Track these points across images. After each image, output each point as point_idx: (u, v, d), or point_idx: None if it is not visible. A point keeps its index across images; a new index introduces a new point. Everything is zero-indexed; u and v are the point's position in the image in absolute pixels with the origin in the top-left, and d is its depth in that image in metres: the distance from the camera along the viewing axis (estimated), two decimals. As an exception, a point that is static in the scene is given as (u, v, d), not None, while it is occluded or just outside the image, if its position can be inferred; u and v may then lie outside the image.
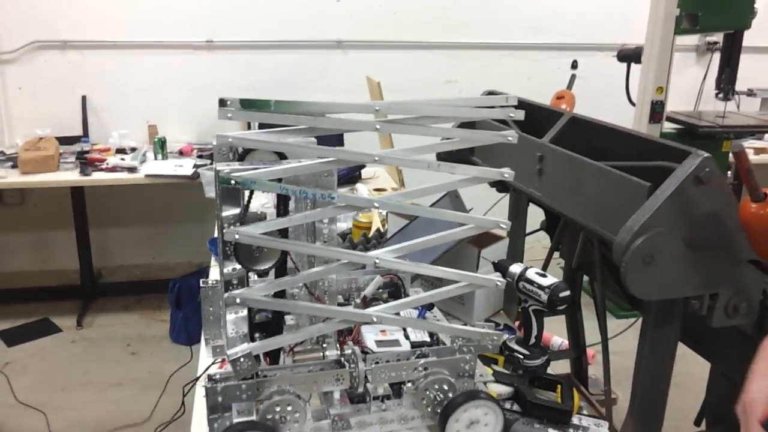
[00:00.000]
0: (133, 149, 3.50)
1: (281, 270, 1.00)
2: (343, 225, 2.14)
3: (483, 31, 4.01)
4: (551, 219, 2.43)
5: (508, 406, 1.26)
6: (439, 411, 0.99)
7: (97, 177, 3.16)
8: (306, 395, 0.96)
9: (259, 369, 0.94)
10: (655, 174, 1.47)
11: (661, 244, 1.40)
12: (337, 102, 0.96)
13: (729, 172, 3.64)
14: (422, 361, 0.99)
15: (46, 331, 3.37)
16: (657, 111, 3.15)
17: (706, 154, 1.40)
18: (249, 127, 3.37)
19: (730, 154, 1.51)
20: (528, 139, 1.96)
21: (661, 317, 1.62)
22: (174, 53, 3.67)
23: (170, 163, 3.32)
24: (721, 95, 3.31)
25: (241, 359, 0.91)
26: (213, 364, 1.13)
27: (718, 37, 3.92)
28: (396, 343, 1.12)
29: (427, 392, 0.99)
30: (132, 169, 3.21)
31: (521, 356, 1.40)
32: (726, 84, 3.26)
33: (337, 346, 1.03)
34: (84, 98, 3.64)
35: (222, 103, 0.92)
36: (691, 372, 2.01)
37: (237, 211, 0.93)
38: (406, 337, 1.16)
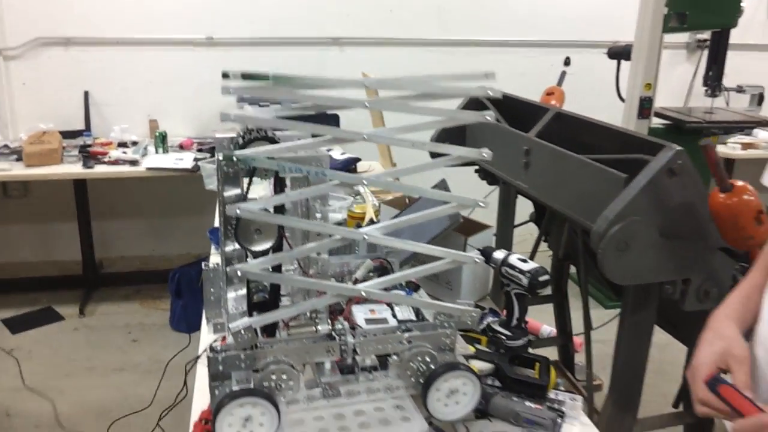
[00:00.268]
0: (135, 143, 3.57)
1: (278, 250, 1.08)
2: (338, 216, 2.21)
3: (477, 28, 4.09)
4: (539, 211, 2.53)
5: (489, 381, 1.35)
6: (421, 381, 1.08)
7: (100, 170, 3.25)
8: (299, 365, 1.05)
9: (257, 341, 1.02)
10: (633, 166, 1.56)
11: (635, 231, 1.49)
12: (331, 78, 1.04)
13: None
14: (406, 335, 1.08)
15: (50, 319, 3.46)
16: (645, 107, 3.23)
17: (679, 148, 1.49)
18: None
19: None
20: (515, 133, 2.05)
21: (638, 302, 1.71)
22: (175, 49, 3.75)
23: (171, 156, 3.40)
24: (708, 92, 3.40)
25: (242, 332, 1.00)
26: (215, 341, 1.22)
27: (708, 35, 4.00)
28: (384, 321, 1.20)
29: (411, 364, 1.08)
30: (133, 163, 3.30)
31: (504, 337, 1.48)
32: (713, 81, 3.35)
33: (329, 321, 1.12)
34: (86, 93, 3.72)
35: (225, 75, 1.00)
36: (674, 360, 2.10)
37: (238, 191, 1.01)
38: (394, 316, 1.25)
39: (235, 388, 1.00)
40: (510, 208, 2.51)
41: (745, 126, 3.72)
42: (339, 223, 2.09)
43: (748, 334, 0.97)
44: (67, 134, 3.53)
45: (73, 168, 3.25)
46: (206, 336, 1.39)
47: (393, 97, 1.11)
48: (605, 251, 1.50)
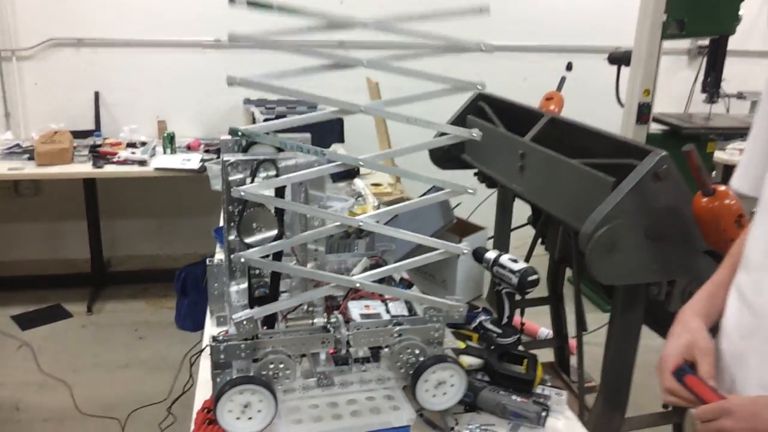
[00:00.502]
0: (143, 143, 3.64)
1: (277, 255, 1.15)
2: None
3: (479, 33, 4.12)
4: (536, 213, 2.58)
5: (479, 376, 1.41)
6: (411, 373, 1.14)
7: (109, 169, 3.32)
8: (296, 356, 1.11)
9: (258, 332, 1.09)
10: (621, 170, 1.62)
11: (622, 233, 1.55)
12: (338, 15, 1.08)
13: (714, 172, 3.79)
14: (397, 328, 1.14)
15: (58, 316, 3.54)
16: (644, 112, 3.28)
17: (664, 153, 1.55)
18: (253, 121, 3.53)
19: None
20: (510, 137, 2.12)
21: (627, 303, 1.77)
22: (183, 52, 3.83)
23: (178, 157, 3.47)
24: (707, 98, 3.45)
25: (244, 322, 1.07)
26: (221, 333, 1.28)
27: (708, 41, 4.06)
28: (378, 316, 1.26)
29: (401, 356, 1.14)
30: (142, 163, 3.37)
31: (495, 334, 1.54)
32: (711, 87, 3.41)
33: (325, 315, 1.18)
34: (97, 94, 3.81)
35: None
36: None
37: (242, 176, 1.08)
38: (388, 311, 1.31)
39: (235, 376, 1.06)
40: (507, 211, 2.57)
41: (743, 132, 3.76)
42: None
43: (715, 328, 1.03)
44: (78, 134, 3.61)
45: (83, 167, 3.32)
46: (211, 330, 1.46)
47: (390, 100, 1.17)
48: (592, 252, 1.56)
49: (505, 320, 1.59)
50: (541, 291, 2.58)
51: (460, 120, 2.49)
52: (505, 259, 1.59)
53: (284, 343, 1.09)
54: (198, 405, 1.29)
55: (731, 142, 3.84)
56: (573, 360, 2.75)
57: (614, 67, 3.64)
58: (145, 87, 3.86)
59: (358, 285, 1.10)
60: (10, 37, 3.66)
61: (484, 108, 2.45)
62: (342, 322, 1.13)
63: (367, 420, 1.09)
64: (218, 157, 3.33)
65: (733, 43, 3.31)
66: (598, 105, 3.85)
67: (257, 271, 1.28)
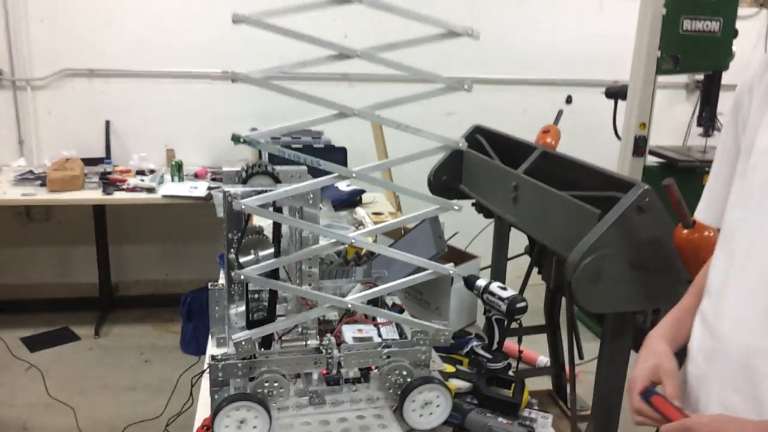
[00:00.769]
0: (152, 171, 3.75)
1: (274, 271, 1.22)
2: (340, 246, 2.34)
3: (481, 66, 4.25)
4: (533, 243, 2.65)
5: (468, 399, 1.48)
6: (399, 393, 1.21)
7: (118, 196, 3.41)
8: (290, 375, 1.18)
9: (255, 352, 1.16)
10: (607, 202, 1.69)
11: (606, 263, 1.62)
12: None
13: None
14: (386, 350, 1.21)
15: (66, 338, 3.62)
16: (640, 145, 3.36)
17: (647, 186, 1.63)
18: (260, 156, 3.63)
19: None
20: (504, 169, 2.20)
21: (615, 331, 1.83)
22: (192, 82, 3.93)
23: (186, 185, 3.57)
24: (702, 131, 3.54)
25: (243, 342, 1.14)
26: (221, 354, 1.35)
27: (705, 76, 4.15)
28: (369, 339, 1.33)
29: (390, 377, 1.21)
30: (150, 190, 3.46)
31: (485, 359, 1.61)
32: (707, 121, 3.49)
33: (318, 337, 1.25)
34: (108, 123, 3.90)
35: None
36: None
37: (241, 188, 1.16)
38: (380, 335, 1.38)
39: (233, 393, 1.13)
40: (504, 241, 2.64)
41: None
42: (339, 252, 2.23)
43: (682, 352, 1.09)
44: (89, 161, 3.70)
45: (94, 194, 3.41)
46: (211, 351, 1.52)
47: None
48: (578, 281, 1.63)
49: (495, 346, 1.66)
50: (538, 319, 2.65)
51: (457, 152, 2.57)
52: (494, 286, 1.66)
53: (279, 363, 1.16)
54: (198, 422, 1.36)
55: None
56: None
57: (611, 101, 3.73)
58: (155, 116, 3.96)
59: (350, 306, 1.17)
60: (25, 67, 3.78)
61: (480, 140, 2.53)
62: (334, 344, 1.20)
63: (356, 437, 1.15)
64: (224, 186, 3.41)
65: (728, 78, 3.40)
66: (597, 137, 3.94)
67: (256, 296, 1.35)
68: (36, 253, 4.06)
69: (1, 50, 3.71)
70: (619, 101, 3.65)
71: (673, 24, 3.22)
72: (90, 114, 3.90)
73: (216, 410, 1.11)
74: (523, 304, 1.60)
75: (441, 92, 1.22)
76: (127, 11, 3.79)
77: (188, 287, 3.78)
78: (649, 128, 3.37)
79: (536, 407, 1.54)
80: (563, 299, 2.71)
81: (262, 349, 1.24)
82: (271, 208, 1.18)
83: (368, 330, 1.39)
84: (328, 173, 1.17)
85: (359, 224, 2.77)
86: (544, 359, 3.30)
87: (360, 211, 2.99)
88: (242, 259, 1.23)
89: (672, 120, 4.43)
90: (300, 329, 1.26)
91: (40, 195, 3.36)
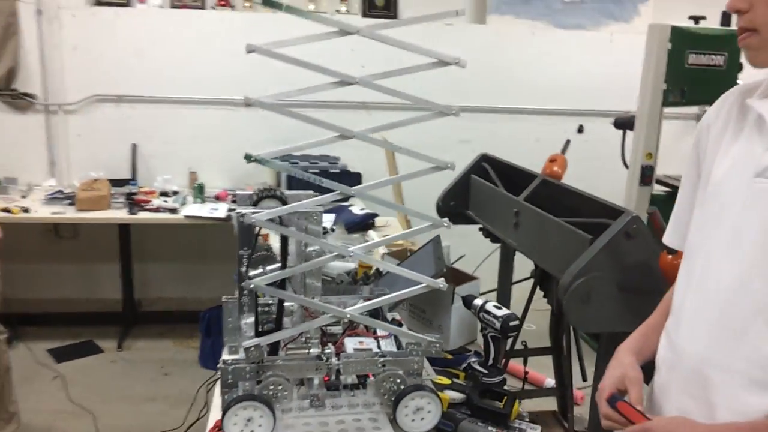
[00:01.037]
0: (175, 193, 3.88)
1: (281, 284, 1.34)
2: (351, 265, 2.47)
3: (494, 96, 4.39)
4: (538, 267, 2.75)
5: (462, 410, 1.58)
6: (393, 399, 1.32)
7: (143, 216, 3.55)
8: (294, 380, 1.30)
9: (263, 358, 1.28)
10: (599, 228, 1.80)
11: (596, 285, 1.73)
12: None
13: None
14: (381, 359, 1.32)
15: (90, 351, 3.77)
16: (647, 174, 3.45)
17: (635, 214, 1.74)
18: (278, 174, 3.78)
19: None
20: (507, 196, 2.31)
21: (609, 351, 1.91)
22: (215, 109, 4.09)
23: (207, 206, 3.71)
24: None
25: (252, 348, 1.26)
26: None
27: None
28: (369, 350, 1.45)
29: (384, 384, 1.32)
30: (173, 210, 3.60)
31: (481, 374, 1.71)
32: (713, 152, 3.57)
33: (320, 346, 1.37)
34: (134, 146, 4.06)
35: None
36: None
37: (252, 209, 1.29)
38: (378, 347, 1.49)
39: (241, 394, 1.25)
40: (508, 265, 2.74)
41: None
42: (349, 272, 2.35)
43: (650, 365, 1.19)
44: (116, 182, 3.84)
45: (119, 213, 3.56)
46: (226, 352, 1.64)
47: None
48: (569, 302, 1.73)
49: (490, 362, 1.76)
50: (544, 341, 2.74)
51: (464, 178, 2.69)
52: (490, 305, 1.77)
53: (283, 368, 1.28)
54: (211, 423, 1.48)
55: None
56: (578, 410, 2.87)
57: (621, 131, 3.83)
58: (179, 140, 4.12)
59: (348, 316, 1.28)
60: (57, 93, 3.96)
61: (486, 168, 2.65)
62: (333, 353, 1.32)
63: (352, 438, 1.27)
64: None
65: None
66: (607, 166, 4.04)
67: (266, 309, 1.48)
68: (63, 269, 4.21)
69: (36, 76, 3.90)
70: (628, 131, 3.74)
71: (679, 58, 3.32)
72: (117, 137, 4.06)
73: (225, 408, 1.23)
74: (516, 322, 1.70)
75: (432, 117, 1.33)
76: (154, 42, 3.98)
77: (207, 304, 3.91)
78: (656, 158, 3.46)
79: (527, 419, 1.63)
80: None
81: (269, 356, 1.36)
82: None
83: (368, 342, 1.51)
84: (339, 179, 1.29)
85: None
86: (551, 381, 3.37)
87: (372, 234, 3.12)
88: (251, 273, 1.35)
89: (682, 150, 4.51)
90: (303, 338, 1.37)
91: (69, 213, 3.51)
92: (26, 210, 3.44)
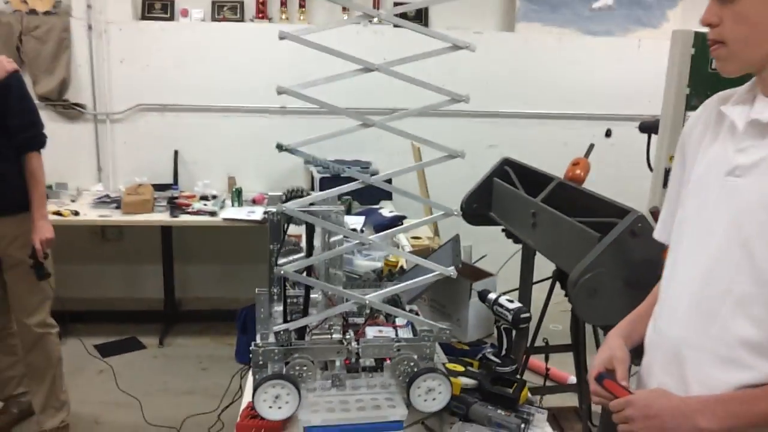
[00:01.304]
0: (214, 197, 4.05)
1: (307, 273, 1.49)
2: (378, 264, 2.60)
3: (521, 101, 4.49)
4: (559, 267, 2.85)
5: (476, 395, 1.70)
6: (407, 380, 1.45)
7: (184, 219, 3.73)
8: (318, 361, 1.44)
9: (292, 341, 1.42)
10: (608, 227, 1.91)
11: (603, 280, 1.83)
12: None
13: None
14: (396, 344, 1.46)
15: (134, 347, 3.97)
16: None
17: (640, 213, 1.84)
18: (312, 178, 3.94)
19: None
20: (525, 197, 2.43)
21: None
22: (252, 116, 4.27)
23: (244, 209, 3.87)
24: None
25: (281, 332, 1.40)
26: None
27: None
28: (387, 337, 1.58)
29: (399, 366, 1.45)
30: (212, 214, 3.77)
31: (494, 363, 1.83)
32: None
33: (341, 332, 1.51)
34: (176, 152, 4.27)
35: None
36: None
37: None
38: (396, 335, 1.63)
39: (270, 373, 1.40)
40: (529, 264, 2.85)
41: None
42: (375, 270, 2.49)
43: (637, 349, 1.30)
44: (158, 187, 4.05)
45: (162, 216, 3.75)
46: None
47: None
48: (577, 296, 1.84)
49: (503, 352, 1.88)
50: (566, 338, 2.84)
51: (487, 181, 2.80)
52: (503, 299, 1.88)
53: (308, 351, 1.42)
54: (244, 404, 1.63)
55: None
56: (597, 406, 2.96)
57: (646, 135, 3.89)
58: (218, 147, 4.31)
59: (367, 302, 1.42)
60: (105, 103, 4.20)
61: (508, 172, 2.76)
62: (353, 338, 1.45)
63: (369, 414, 1.40)
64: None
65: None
66: (635, 169, 4.10)
67: (294, 300, 1.62)
68: (109, 270, 4.44)
69: (86, 87, 4.15)
70: (653, 135, 3.80)
71: (702, 63, 3.38)
72: (161, 144, 4.28)
73: (256, 386, 1.37)
74: (527, 314, 1.81)
75: (446, 104, 1.43)
76: (196, 53, 4.18)
77: (243, 303, 4.08)
78: (679, 161, 3.51)
79: (536, 404, 1.74)
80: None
81: (297, 339, 1.51)
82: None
83: (387, 331, 1.64)
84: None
85: (397, 247, 3.02)
86: (574, 379, 3.46)
87: (400, 236, 3.25)
88: (280, 261, 1.49)
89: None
90: (327, 325, 1.51)
91: (115, 216, 3.72)
92: (76, 213, 3.66)
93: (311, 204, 1.54)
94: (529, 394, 1.73)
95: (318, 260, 1.48)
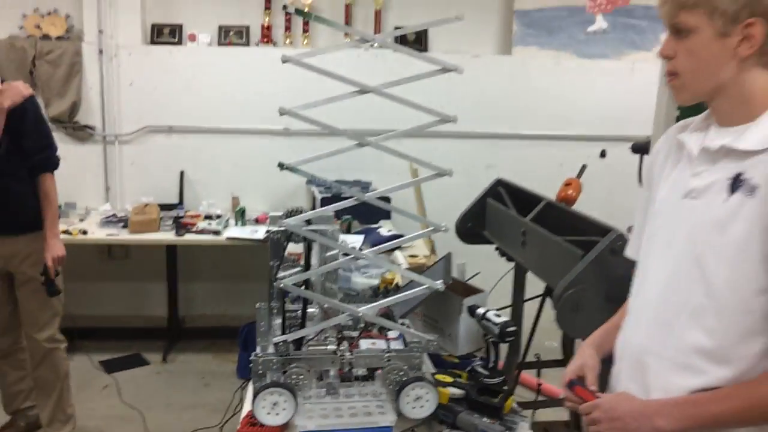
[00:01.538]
0: (218, 216, 4.13)
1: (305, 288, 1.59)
2: (374, 281, 2.70)
3: (519, 123, 4.59)
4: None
5: (463, 404, 1.79)
6: (396, 389, 1.54)
7: (189, 238, 3.82)
8: (313, 371, 1.54)
9: (290, 351, 1.52)
10: (590, 245, 2.01)
11: (585, 296, 1.93)
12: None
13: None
14: (386, 355, 1.56)
15: (138, 363, 4.06)
16: (659, 197, 3.60)
17: (620, 232, 1.94)
18: (313, 198, 4.05)
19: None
20: (515, 217, 2.53)
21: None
22: (256, 138, 4.37)
23: (247, 228, 3.95)
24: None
25: (280, 343, 1.50)
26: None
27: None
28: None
29: (390, 376, 1.55)
30: (216, 233, 3.85)
31: (482, 375, 1.92)
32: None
33: (336, 343, 1.61)
34: (182, 173, 4.37)
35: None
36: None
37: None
38: (388, 347, 1.72)
39: (269, 381, 1.50)
40: (521, 282, 2.94)
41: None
42: (372, 287, 2.59)
43: (609, 358, 1.40)
44: (164, 206, 4.13)
45: (167, 235, 3.84)
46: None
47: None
48: (561, 310, 1.94)
49: (491, 364, 1.97)
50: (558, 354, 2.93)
51: (481, 202, 2.91)
52: (490, 314, 1.98)
53: (305, 360, 1.52)
54: (244, 413, 1.73)
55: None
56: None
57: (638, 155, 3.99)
58: (223, 168, 4.42)
59: (360, 314, 1.52)
60: (114, 124, 4.31)
61: (501, 192, 2.87)
62: (347, 349, 1.55)
63: (360, 419, 1.50)
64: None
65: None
66: (629, 189, 4.19)
67: (292, 314, 1.73)
68: (115, 288, 4.53)
69: (96, 109, 4.27)
70: (645, 156, 3.90)
71: (691, 86, 3.49)
72: (167, 165, 4.38)
73: (255, 393, 1.47)
74: (513, 328, 1.90)
75: (435, 123, 1.54)
76: (202, 77, 4.31)
77: (245, 321, 4.17)
78: (669, 182, 3.61)
79: (520, 414, 1.83)
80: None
81: (294, 348, 1.61)
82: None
83: (380, 343, 1.74)
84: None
85: (392, 263, 3.12)
86: (567, 394, 3.53)
87: (397, 254, 3.35)
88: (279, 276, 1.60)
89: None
90: (323, 337, 1.62)
91: (122, 235, 3.81)
92: (84, 232, 3.77)
93: (309, 222, 1.65)
94: (514, 404, 1.82)
95: (315, 274, 1.58)
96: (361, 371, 1.59)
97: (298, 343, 1.58)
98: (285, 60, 1.44)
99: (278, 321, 1.64)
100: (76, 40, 4.20)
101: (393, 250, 3.44)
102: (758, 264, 1.09)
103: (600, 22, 4.70)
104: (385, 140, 1.53)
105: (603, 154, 4.75)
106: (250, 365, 1.53)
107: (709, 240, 1.14)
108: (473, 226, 2.91)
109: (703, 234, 1.15)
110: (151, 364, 4.07)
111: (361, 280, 2.62)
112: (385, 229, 3.61)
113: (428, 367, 1.63)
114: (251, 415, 1.68)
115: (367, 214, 3.77)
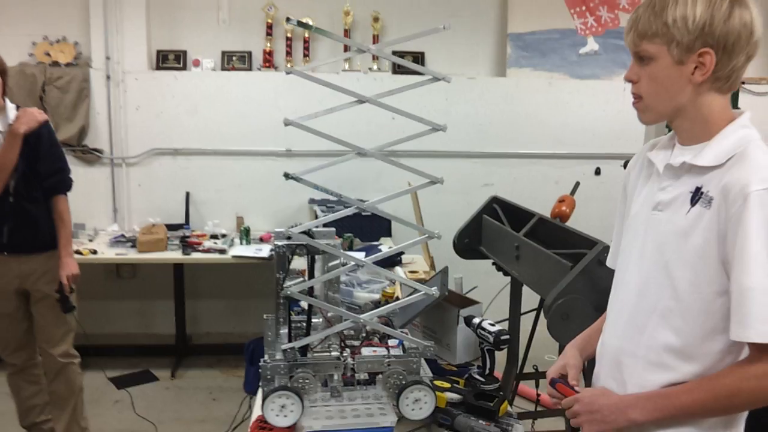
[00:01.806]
0: (224, 235, 4.28)
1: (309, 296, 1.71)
2: (375, 296, 2.81)
3: (515, 142, 4.73)
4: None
5: (461, 408, 1.90)
6: (396, 392, 1.66)
7: (195, 256, 3.95)
8: (318, 375, 1.65)
9: (297, 357, 1.63)
10: (579, 257, 2.13)
11: (574, 305, 2.05)
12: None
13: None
14: (386, 360, 1.67)
15: (147, 379, 4.15)
16: (652, 212, 3.72)
17: (606, 244, 2.05)
18: (315, 216, 4.17)
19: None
20: (509, 232, 2.65)
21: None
22: (260, 159, 4.52)
23: (252, 247, 4.09)
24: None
25: (288, 350, 1.62)
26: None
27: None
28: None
29: (390, 380, 1.66)
30: (222, 251, 3.98)
31: (479, 381, 2.03)
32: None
33: (339, 350, 1.72)
34: (188, 194, 4.51)
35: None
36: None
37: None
38: (389, 353, 1.83)
39: (277, 386, 1.61)
40: (517, 296, 3.06)
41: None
42: (374, 301, 2.70)
43: (591, 360, 1.52)
44: (171, 227, 4.27)
45: (174, 254, 3.97)
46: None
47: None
48: (552, 320, 2.05)
49: (487, 371, 2.08)
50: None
51: (477, 218, 3.03)
52: (485, 323, 2.09)
53: (310, 366, 1.64)
54: (254, 418, 1.84)
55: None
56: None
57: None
58: (227, 188, 4.56)
59: (362, 320, 1.63)
60: (121, 148, 4.46)
61: (496, 209, 2.99)
62: (349, 355, 1.67)
63: (363, 420, 1.61)
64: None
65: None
66: (623, 205, 4.33)
67: (297, 324, 1.84)
68: (123, 306, 4.65)
69: (103, 133, 4.42)
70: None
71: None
72: (173, 186, 4.52)
73: (264, 397, 1.58)
74: (506, 337, 2.01)
75: (427, 132, 1.67)
76: (207, 100, 4.46)
77: (252, 337, 4.27)
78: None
79: (514, 417, 1.94)
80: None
81: (300, 355, 1.72)
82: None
83: (380, 351, 1.85)
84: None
85: (395, 281, 3.23)
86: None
87: (398, 270, 3.47)
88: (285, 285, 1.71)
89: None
90: (327, 344, 1.73)
91: (131, 255, 3.94)
92: (94, 252, 3.89)
93: (311, 236, 1.77)
94: (509, 408, 1.93)
95: (318, 281, 1.70)
96: (363, 376, 1.70)
97: (304, 350, 1.69)
98: (288, 72, 1.57)
99: (284, 330, 1.75)
100: (84, 67, 4.35)
101: (394, 265, 3.56)
102: (716, 269, 1.21)
103: (591, 44, 4.86)
104: (381, 149, 1.65)
105: (597, 172, 4.88)
106: (260, 371, 1.64)
107: (674, 248, 1.26)
108: (470, 241, 3.02)
109: (669, 243, 1.27)
110: (159, 381, 4.16)
111: (362, 295, 2.73)
112: (385, 246, 3.73)
113: (426, 372, 1.74)
114: (261, 419, 1.79)
115: (368, 231, 3.89)
